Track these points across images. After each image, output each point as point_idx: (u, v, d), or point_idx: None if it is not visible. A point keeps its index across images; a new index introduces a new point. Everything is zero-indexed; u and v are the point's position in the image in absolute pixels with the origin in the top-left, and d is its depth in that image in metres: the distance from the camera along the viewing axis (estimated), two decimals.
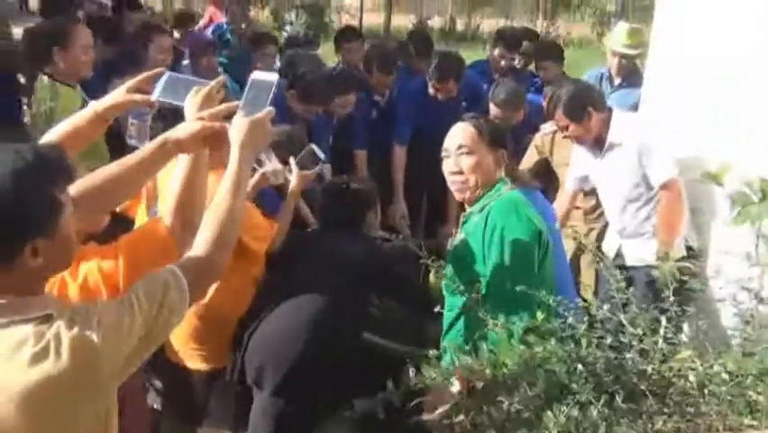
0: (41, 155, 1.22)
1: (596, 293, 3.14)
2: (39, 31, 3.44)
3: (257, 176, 2.61)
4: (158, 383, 2.84)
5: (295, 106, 3.60)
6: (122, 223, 2.49)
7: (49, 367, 1.15)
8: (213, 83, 1.68)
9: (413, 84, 4.34)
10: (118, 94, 1.77)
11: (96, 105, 1.75)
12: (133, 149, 1.85)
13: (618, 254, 3.16)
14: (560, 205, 3.42)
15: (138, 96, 1.76)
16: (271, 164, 2.63)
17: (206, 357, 2.56)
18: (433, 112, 3.93)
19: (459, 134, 2.20)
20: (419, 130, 4.14)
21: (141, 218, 2.93)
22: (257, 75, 1.61)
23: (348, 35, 4.98)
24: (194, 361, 2.57)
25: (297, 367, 2.35)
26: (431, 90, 4.03)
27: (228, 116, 1.58)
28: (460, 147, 2.17)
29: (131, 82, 1.78)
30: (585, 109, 2.96)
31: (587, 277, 3.47)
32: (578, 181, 3.36)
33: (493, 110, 3.79)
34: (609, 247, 3.22)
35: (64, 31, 3.24)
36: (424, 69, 4.61)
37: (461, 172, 2.17)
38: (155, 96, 1.73)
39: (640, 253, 3.03)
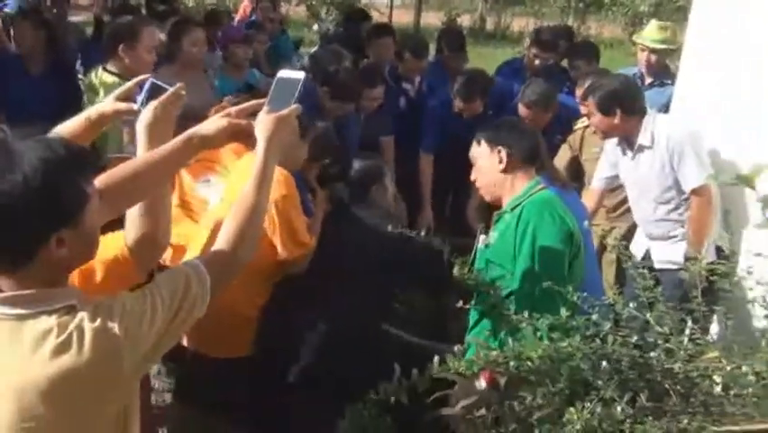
0: (69, 148, 1.25)
1: (620, 292, 3.13)
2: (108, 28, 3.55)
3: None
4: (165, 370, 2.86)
5: (327, 103, 3.62)
6: None
7: (71, 359, 1.16)
8: (170, 90, 1.67)
9: (440, 95, 4.31)
10: (106, 102, 1.79)
11: (88, 113, 1.77)
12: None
13: (646, 256, 3.14)
14: (586, 203, 3.41)
15: (123, 105, 1.76)
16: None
17: (226, 346, 2.53)
18: (458, 125, 3.90)
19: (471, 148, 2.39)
20: (445, 140, 4.11)
21: (173, 209, 2.97)
22: (283, 73, 1.63)
23: (379, 31, 4.98)
24: (212, 348, 2.55)
25: (320, 357, 2.38)
26: (456, 108, 4.01)
27: (254, 113, 1.59)
28: (472, 158, 2.38)
29: (118, 90, 1.79)
30: (615, 107, 2.97)
31: (608, 275, 3.45)
32: (606, 181, 3.34)
33: (522, 111, 3.77)
34: (638, 249, 3.20)
35: (132, 29, 3.32)
36: (456, 66, 4.61)
37: (477, 180, 2.38)
38: (138, 104, 1.73)
39: (669, 255, 3.01)
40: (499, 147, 2.25)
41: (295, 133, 1.57)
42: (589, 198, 3.35)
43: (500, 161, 2.24)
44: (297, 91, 1.58)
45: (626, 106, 2.99)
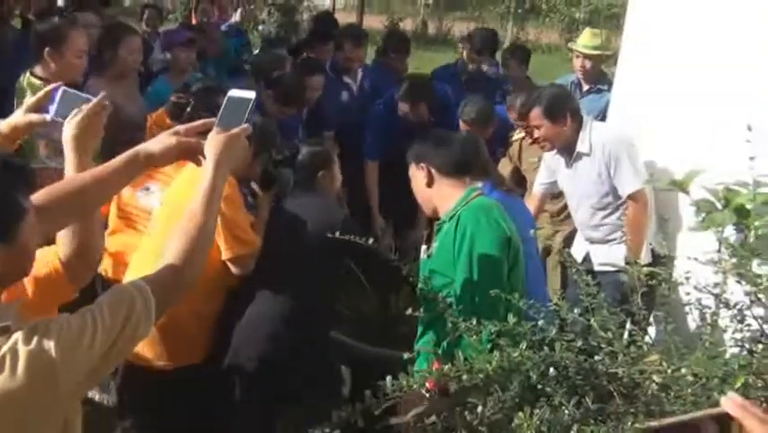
0: (5, 162, 1.20)
1: (563, 297, 3.21)
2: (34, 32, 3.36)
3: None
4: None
5: (269, 107, 3.59)
6: None
7: (3, 382, 1.12)
8: (94, 101, 1.62)
9: (385, 99, 4.28)
10: (17, 114, 1.71)
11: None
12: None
13: (586, 259, 3.22)
14: (529, 207, 3.48)
15: (35, 117, 1.70)
16: None
17: (169, 355, 2.50)
18: (402, 131, 3.86)
19: None
20: (391, 144, 4.11)
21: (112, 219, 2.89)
22: (234, 92, 1.61)
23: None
24: (155, 359, 2.51)
25: (266, 355, 2.41)
26: (401, 111, 3.98)
27: (204, 132, 1.57)
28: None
29: (29, 101, 1.73)
30: (564, 112, 3.03)
31: (553, 279, 3.54)
32: (546, 186, 3.42)
33: (463, 127, 3.76)
34: (577, 252, 3.28)
35: (58, 33, 3.16)
36: (400, 68, 4.64)
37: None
38: (51, 113, 1.67)
39: (607, 257, 3.10)
40: (422, 163, 2.29)
41: (245, 151, 1.55)
42: (531, 203, 3.42)
43: (424, 177, 2.28)
44: (248, 110, 1.57)
45: (573, 110, 3.06)
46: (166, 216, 2.51)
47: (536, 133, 3.12)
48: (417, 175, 2.32)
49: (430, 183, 2.29)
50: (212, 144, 1.51)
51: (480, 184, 2.37)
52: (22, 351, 1.14)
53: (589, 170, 3.07)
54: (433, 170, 2.27)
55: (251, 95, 1.60)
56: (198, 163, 1.55)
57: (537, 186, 3.44)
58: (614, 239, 3.13)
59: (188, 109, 2.88)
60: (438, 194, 2.29)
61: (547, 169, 3.35)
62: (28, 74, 3.19)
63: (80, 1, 5.35)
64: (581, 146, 3.07)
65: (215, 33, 5.37)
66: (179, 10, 14.59)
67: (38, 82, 3.13)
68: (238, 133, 1.53)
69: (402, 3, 21.21)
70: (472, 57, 4.81)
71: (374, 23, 16.40)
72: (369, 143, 4.18)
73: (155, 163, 1.58)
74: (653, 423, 0.90)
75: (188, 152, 1.56)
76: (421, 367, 1.90)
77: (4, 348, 1.14)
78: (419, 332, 2.22)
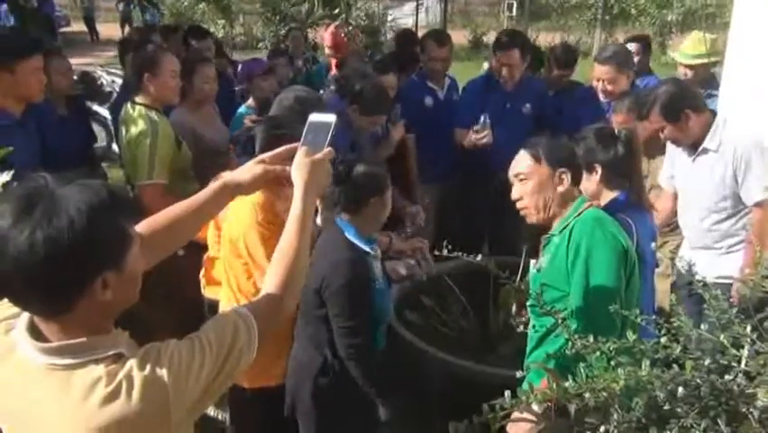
0: (111, 191, 1.24)
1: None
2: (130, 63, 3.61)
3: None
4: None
5: (357, 120, 3.65)
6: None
7: (120, 408, 1.15)
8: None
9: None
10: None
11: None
12: None
13: (690, 267, 3.05)
14: (663, 206, 3.27)
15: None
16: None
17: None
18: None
19: (517, 163, 2.23)
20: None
21: (211, 240, 2.98)
22: (315, 117, 1.62)
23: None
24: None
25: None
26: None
27: (289, 158, 1.59)
28: (517, 175, 2.22)
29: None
30: (683, 111, 2.87)
31: (661, 290, 3.36)
32: (672, 181, 3.21)
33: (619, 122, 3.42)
34: (682, 262, 3.11)
35: (153, 59, 3.40)
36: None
37: (521, 199, 2.22)
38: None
39: (716, 268, 2.91)
40: (561, 168, 2.16)
41: (328, 174, 1.57)
42: (662, 202, 3.21)
43: (562, 182, 2.16)
44: (330, 134, 1.58)
45: (693, 105, 2.89)
46: (226, 249, 2.58)
47: (662, 135, 2.97)
48: (549, 179, 2.15)
49: (566, 191, 2.15)
50: (298, 170, 1.53)
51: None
52: (138, 377, 1.17)
53: (712, 169, 2.89)
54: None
55: (331, 118, 1.61)
56: (282, 190, 1.56)
57: (665, 181, 3.23)
58: (721, 248, 2.94)
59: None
60: (563, 202, 2.15)
61: (669, 159, 3.16)
62: (128, 104, 3.40)
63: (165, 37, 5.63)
64: (709, 142, 2.89)
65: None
66: (268, 38, 15.15)
67: (141, 108, 3.33)
68: (322, 159, 1.54)
69: (485, 15, 21.11)
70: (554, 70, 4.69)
71: (458, 37, 16.41)
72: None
73: (243, 192, 1.62)
74: None
75: (275, 180, 1.58)
76: (533, 383, 1.85)
77: (120, 375, 1.17)
78: (529, 348, 2.16)
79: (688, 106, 2.86)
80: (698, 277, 1.64)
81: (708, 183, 2.92)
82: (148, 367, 1.19)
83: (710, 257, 2.97)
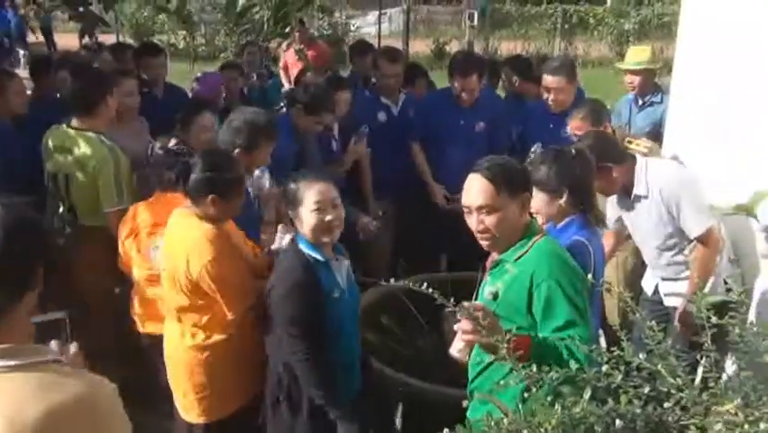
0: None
1: (628, 338, 3.07)
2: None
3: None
4: None
5: (302, 122, 3.62)
6: None
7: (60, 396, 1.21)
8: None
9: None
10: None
11: None
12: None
13: (656, 292, 3.11)
14: (607, 243, 3.24)
15: None
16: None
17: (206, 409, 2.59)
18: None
19: (478, 193, 2.07)
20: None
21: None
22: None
23: (360, 48, 5.54)
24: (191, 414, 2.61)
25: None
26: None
27: None
28: (480, 208, 2.07)
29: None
30: (604, 165, 2.80)
31: (613, 312, 3.39)
32: (618, 224, 3.25)
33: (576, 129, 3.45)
34: (647, 285, 3.17)
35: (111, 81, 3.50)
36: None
37: (487, 230, 2.09)
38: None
39: (678, 293, 2.98)
40: (524, 193, 2.12)
41: None
42: (607, 241, 3.17)
43: (525, 206, 2.13)
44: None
45: (613, 158, 2.86)
46: (167, 269, 2.57)
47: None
48: (516, 206, 2.09)
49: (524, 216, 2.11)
50: None
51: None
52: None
53: (649, 212, 2.94)
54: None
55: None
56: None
57: (612, 225, 3.23)
58: (684, 275, 2.99)
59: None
60: (514, 211, 2.09)
61: (612, 207, 3.18)
62: (64, 129, 3.33)
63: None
64: (638, 188, 2.93)
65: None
66: (230, 48, 14.98)
67: (87, 134, 3.29)
68: None
69: (447, 24, 21.28)
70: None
71: (421, 46, 16.52)
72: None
73: None
74: None
75: None
76: (476, 414, 1.83)
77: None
78: (472, 374, 2.15)
79: (608, 160, 2.83)
80: (633, 308, 1.64)
81: (650, 225, 2.97)
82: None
83: (675, 285, 3.03)
